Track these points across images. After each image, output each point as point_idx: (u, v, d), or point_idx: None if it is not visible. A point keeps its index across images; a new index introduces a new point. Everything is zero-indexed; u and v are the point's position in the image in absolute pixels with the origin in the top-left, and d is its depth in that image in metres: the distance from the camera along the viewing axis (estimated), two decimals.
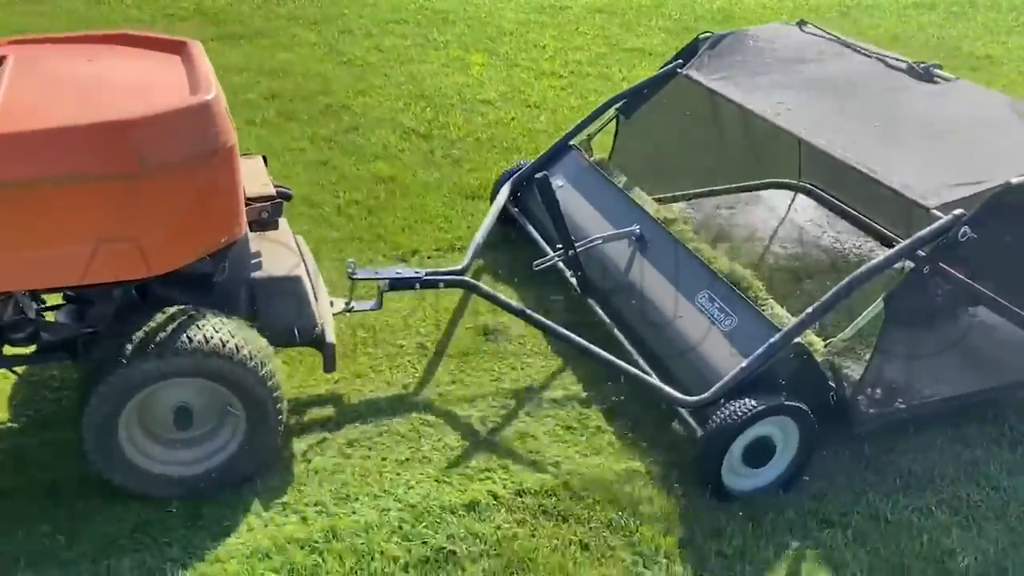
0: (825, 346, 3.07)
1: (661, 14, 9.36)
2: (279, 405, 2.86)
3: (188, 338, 2.65)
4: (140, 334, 2.66)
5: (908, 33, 9.15)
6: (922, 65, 3.93)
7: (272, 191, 3.03)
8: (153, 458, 2.84)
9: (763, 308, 3.29)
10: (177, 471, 2.87)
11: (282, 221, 3.26)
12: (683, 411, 3.14)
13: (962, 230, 2.94)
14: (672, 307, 3.47)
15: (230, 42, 7.56)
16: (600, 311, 3.74)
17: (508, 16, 8.95)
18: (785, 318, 3.23)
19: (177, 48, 2.99)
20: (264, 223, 3.00)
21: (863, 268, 3.02)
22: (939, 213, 3.00)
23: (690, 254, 3.62)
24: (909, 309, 3.04)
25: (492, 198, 4.59)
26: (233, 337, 2.72)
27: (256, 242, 3.09)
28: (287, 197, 3.19)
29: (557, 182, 4.42)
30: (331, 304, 3.37)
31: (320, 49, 7.57)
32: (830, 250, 4.49)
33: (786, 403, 2.96)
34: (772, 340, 2.99)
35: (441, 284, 3.54)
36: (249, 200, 2.95)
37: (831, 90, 3.92)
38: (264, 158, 3.29)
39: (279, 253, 3.17)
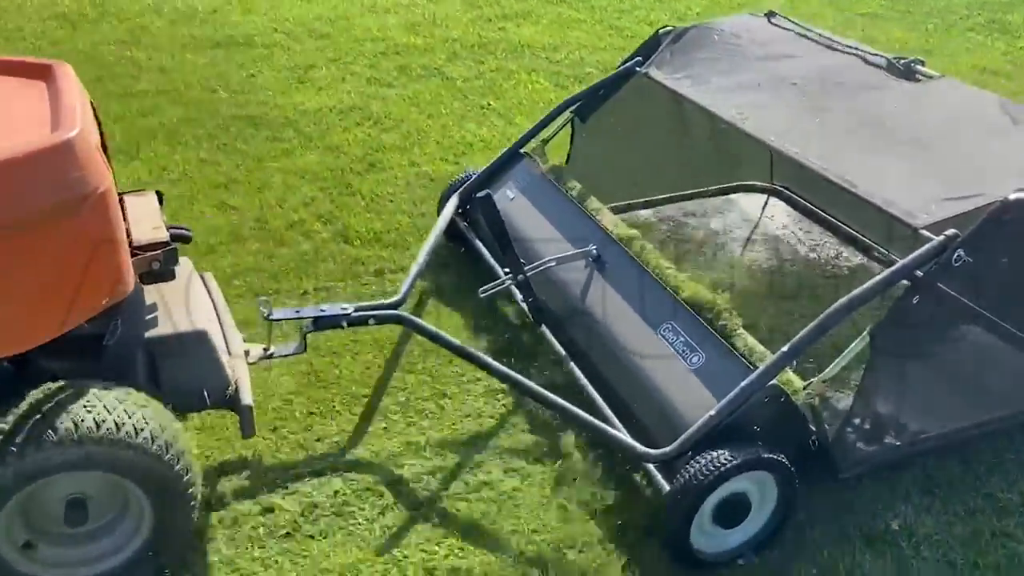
0: (805, 387, 2.71)
1: None
2: (191, 491, 2.44)
3: (73, 424, 2.21)
4: (11, 422, 2.22)
5: None
6: (902, 61, 3.58)
7: (165, 236, 2.57)
8: (42, 562, 2.42)
9: (734, 341, 2.93)
10: (72, 574, 2.45)
11: (183, 260, 2.85)
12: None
13: (956, 254, 2.59)
14: (633, 340, 3.10)
15: (513, 20, 7.83)
16: (555, 342, 3.37)
17: None
18: (759, 352, 2.87)
19: (42, 73, 2.52)
20: (157, 275, 2.55)
21: (844, 300, 2.65)
22: (929, 234, 2.65)
23: (651, 278, 3.26)
24: (897, 341, 2.70)
25: (439, 212, 4.19)
26: (130, 417, 2.29)
27: (152, 292, 2.67)
28: (185, 239, 2.77)
29: (508, 194, 4.04)
30: (246, 353, 2.96)
31: (600, 26, 7.81)
32: (807, 262, 4.15)
33: (763, 456, 2.60)
34: (744, 383, 2.63)
35: (372, 321, 3.14)
36: (137, 250, 2.52)
37: (803, 90, 3.56)
38: (159, 193, 2.85)
39: (180, 303, 2.74)
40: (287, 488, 2.91)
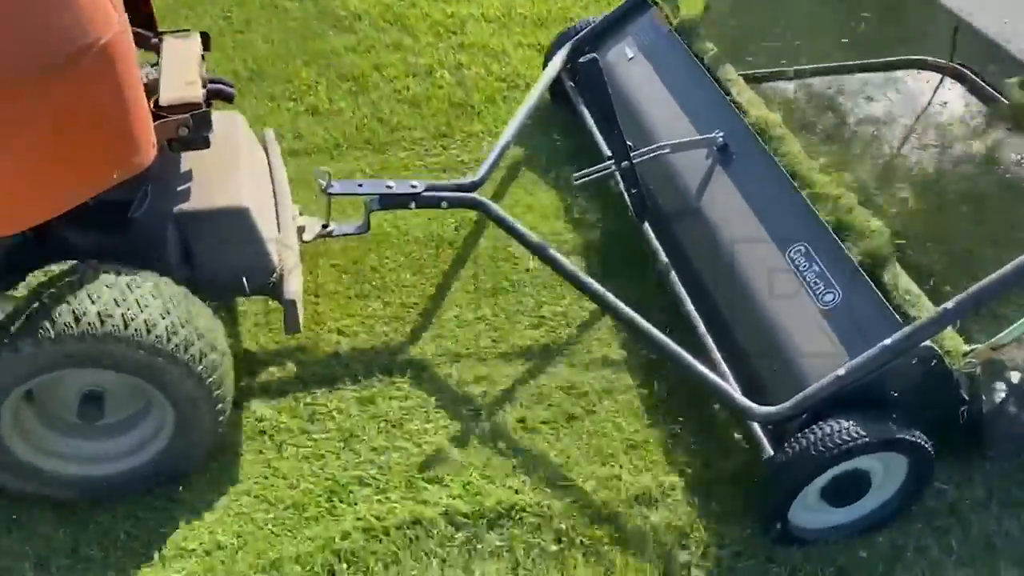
0: (966, 354, 2.14)
1: None
2: (218, 392, 2.14)
3: (74, 317, 1.91)
4: (21, 305, 1.95)
5: None
6: None
7: (197, 96, 2.11)
8: (52, 454, 2.19)
9: (883, 278, 2.34)
10: (87, 470, 2.22)
11: (235, 116, 2.43)
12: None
13: None
14: (754, 260, 2.55)
15: None
16: (658, 246, 2.84)
17: None
18: (914, 297, 2.28)
19: None
20: (186, 142, 2.13)
21: None
22: None
23: (788, 182, 2.64)
24: None
25: (544, 65, 3.61)
26: (142, 310, 1.97)
27: (193, 157, 2.26)
28: (227, 97, 2.32)
29: (627, 52, 3.41)
30: (302, 230, 2.58)
31: None
32: (988, 167, 3.37)
33: (900, 437, 2.08)
34: (890, 341, 2.08)
35: (444, 204, 2.69)
36: (163, 111, 2.08)
37: None
38: (204, 35, 2.37)
39: (221, 172, 2.33)
40: (327, 391, 2.59)
